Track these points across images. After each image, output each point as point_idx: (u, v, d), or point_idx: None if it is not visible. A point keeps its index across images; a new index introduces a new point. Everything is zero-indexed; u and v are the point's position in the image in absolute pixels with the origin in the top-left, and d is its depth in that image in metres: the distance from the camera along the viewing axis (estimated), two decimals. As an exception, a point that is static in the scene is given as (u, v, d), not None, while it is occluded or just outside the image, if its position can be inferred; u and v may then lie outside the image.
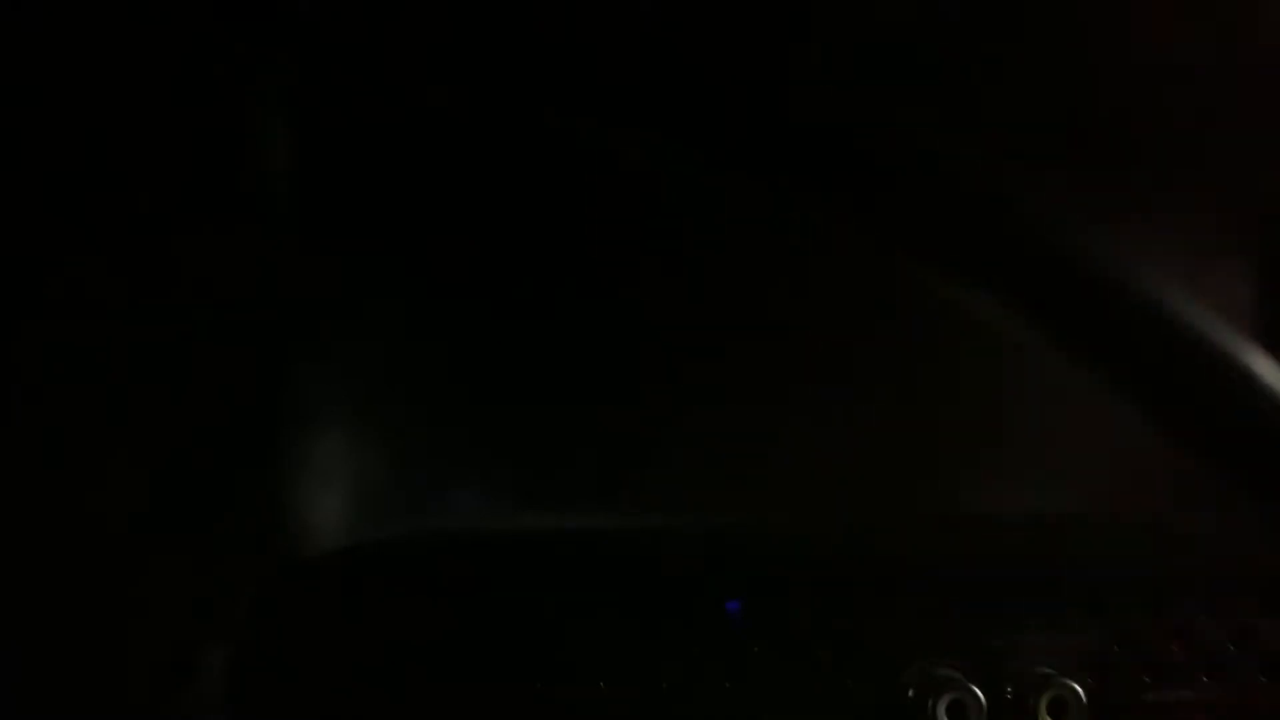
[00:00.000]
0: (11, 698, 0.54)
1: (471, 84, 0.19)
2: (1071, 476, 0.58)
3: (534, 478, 0.59)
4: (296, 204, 0.59)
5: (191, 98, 0.55)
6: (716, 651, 0.44)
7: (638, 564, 0.45)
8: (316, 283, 0.60)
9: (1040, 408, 0.58)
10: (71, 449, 0.56)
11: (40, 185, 0.55)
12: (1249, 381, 0.19)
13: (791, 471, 0.57)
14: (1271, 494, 0.20)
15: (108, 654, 0.55)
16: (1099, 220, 0.26)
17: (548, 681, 0.44)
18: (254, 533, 0.57)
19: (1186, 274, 0.27)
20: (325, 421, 0.60)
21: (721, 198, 0.30)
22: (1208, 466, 0.26)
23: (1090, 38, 0.51)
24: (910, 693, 0.45)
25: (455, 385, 0.60)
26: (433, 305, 0.60)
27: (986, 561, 0.47)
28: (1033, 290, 0.19)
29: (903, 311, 0.58)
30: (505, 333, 0.60)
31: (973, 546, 0.49)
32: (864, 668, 0.45)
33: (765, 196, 0.20)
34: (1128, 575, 0.46)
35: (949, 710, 0.44)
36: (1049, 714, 0.44)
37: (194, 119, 0.56)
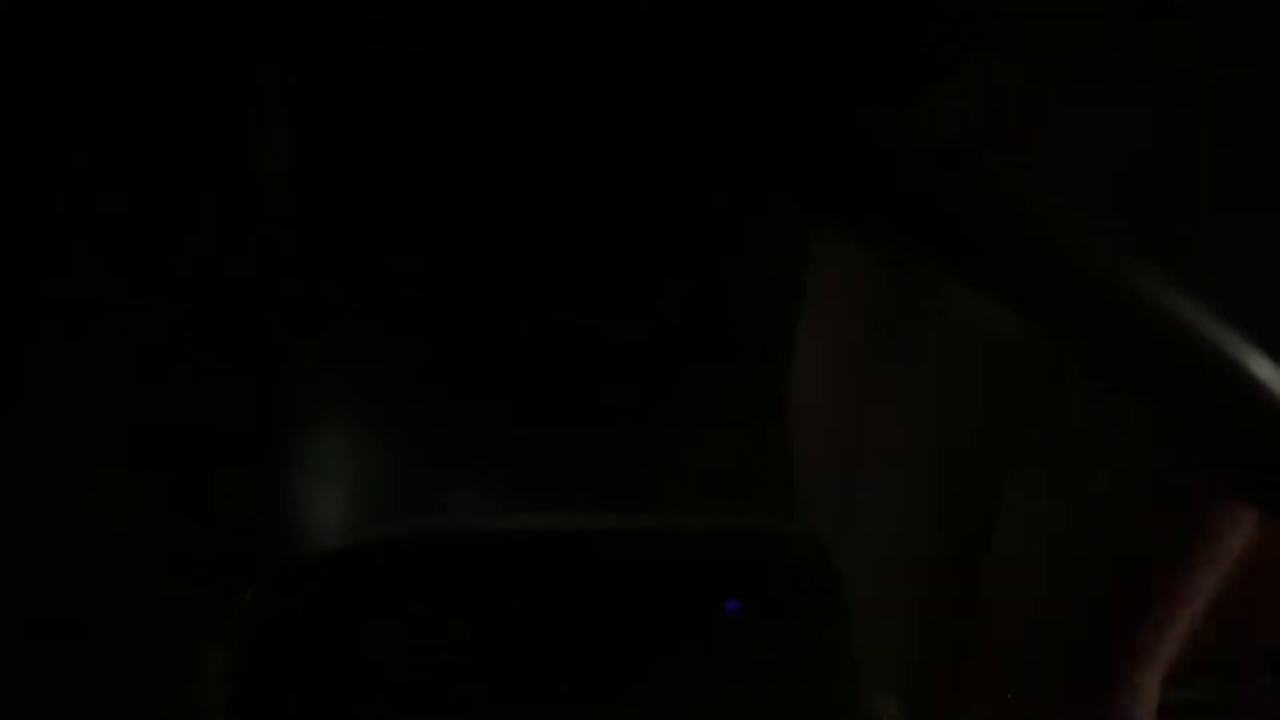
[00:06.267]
0: (11, 698, 0.54)
1: (474, 87, 0.19)
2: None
3: (533, 478, 0.59)
4: (296, 203, 0.59)
5: (190, 96, 0.55)
6: (716, 651, 0.44)
7: (638, 564, 0.45)
8: (316, 283, 0.59)
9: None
10: (70, 449, 0.56)
11: (39, 185, 0.55)
12: (1249, 381, 0.19)
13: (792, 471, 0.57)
14: (1271, 494, 0.20)
15: (106, 655, 0.55)
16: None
17: (548, 681, 0.44)
18: (254, 533, 0.57)
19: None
20: (325, 421, 0.60)
21: (730, 201, 0.30)
22: (1207, 466, 0.26)
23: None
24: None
25: (455, 385, 0.60)
26: (433, 304, 0.60)
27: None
28: (1031, 288, 0.19)
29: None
30: (506, 332, 0.60)
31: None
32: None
33: (770, 205, 0.20)
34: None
35: (949, 710, 0.44)
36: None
37: (193, 117, 0.56)
